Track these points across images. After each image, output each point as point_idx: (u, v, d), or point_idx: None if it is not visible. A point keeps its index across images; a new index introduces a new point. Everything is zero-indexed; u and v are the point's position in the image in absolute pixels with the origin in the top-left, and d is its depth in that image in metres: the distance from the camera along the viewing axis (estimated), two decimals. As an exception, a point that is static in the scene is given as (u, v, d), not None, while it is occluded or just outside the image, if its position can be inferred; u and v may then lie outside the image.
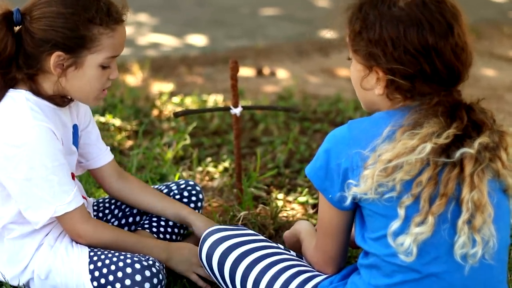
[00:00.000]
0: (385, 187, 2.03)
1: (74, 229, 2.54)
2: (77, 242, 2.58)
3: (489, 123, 2.07)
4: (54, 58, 2.42)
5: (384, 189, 2.04)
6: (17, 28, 2.46)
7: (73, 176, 2.61)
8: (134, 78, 5.40)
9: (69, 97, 2.56)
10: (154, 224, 2.85)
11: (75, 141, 2.66)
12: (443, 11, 2.09)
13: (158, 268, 2.53)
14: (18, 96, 2.47)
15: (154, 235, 2.83)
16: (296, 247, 2.61)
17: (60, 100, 2.53)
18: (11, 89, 2.48)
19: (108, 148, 2.83)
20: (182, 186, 2.93)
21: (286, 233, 2.70)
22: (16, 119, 2.43)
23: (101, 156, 2.80)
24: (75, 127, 2.65)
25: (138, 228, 2.87)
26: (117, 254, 2.55)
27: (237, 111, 3.12)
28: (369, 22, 2.11)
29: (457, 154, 2.01)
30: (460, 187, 2.03)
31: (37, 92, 2.49)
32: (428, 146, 2.00)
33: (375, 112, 2.20)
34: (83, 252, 2.56)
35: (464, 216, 2.02)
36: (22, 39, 2.45)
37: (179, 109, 4.50)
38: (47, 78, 2.48)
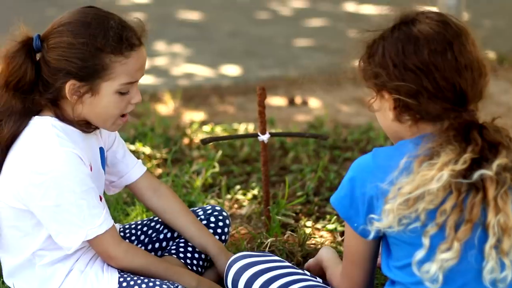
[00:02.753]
0: (408, 218, 2.03)
1: (106, 252, 2.53)
2: (108, 264, 2.58)
3: (505, 142, 2.05)
4: (69, 86, 2.44)
5: (408, 221, 2.03)
6: (38, 55, 2.48)
7: (100, 200, 2.62)
8: (165, 108, 5.43)
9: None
10: (181, 249, 2.83)
11: (103, 164, 2.67)
12: (442, 29, 2.11)
13: (186, 296, 2.52)
14: (44, 123, 2.48)
15: (182, 260, 2.81)
16: (320, 275, 2.59)
17: (86, 125, 2.54)
18: (36, 116, 2.50)
19: (139, 161, 2.83)
20: (209, 212, 2.92)
21: (310, 261, 2.69)
22: (42, 146, 2.44)
23: (131, 171, 2.80)
24: (101, 150, 2.66)
25: (165, 254, 2.86)
26: (146, 280, 2.54)
27: (264, 137, 3.11)
28: (374, 48, 2.15)
29: (475, 176, 1.99)
30: (485, 212, 2.01)
31: (62, 117, 2.50)
32: (445, 174, 1.99)
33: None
34: (113, 278, 2.56)
35: (491, 240, 2.00)
36: (40, 66, 2.47)
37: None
38: (69, 103, 2.49)
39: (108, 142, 2.74)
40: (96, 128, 2.59)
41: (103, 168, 2.68)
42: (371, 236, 2.11)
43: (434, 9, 2.20)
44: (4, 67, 2.46)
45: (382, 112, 2.19)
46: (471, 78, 2.09)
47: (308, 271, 2.61)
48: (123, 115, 2.55)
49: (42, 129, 2.47)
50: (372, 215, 2.09)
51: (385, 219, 2.05)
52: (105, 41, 2.42)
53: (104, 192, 2.78)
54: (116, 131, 2.74)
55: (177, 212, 2.83)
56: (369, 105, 2.21)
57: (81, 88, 2.45)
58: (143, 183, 2.82)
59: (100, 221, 2.47)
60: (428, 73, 2.08)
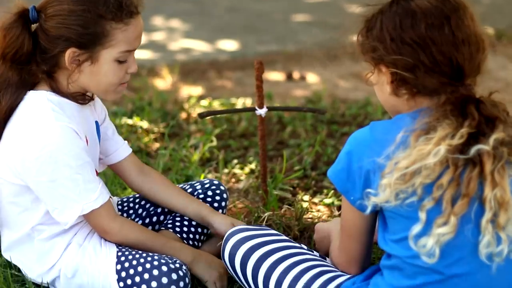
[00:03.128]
0: (405, 193, 2.03)
1: (101, 226, 2.55)
2: (105, 239, 2.59)
3: (502, 116, 2.05)
4: (69, 54, 2.44)
5: (405, 195, 2.03)
6: (34, 26, 2.48)
7: (97, 174, 2.62)
8: (163, 82, 5.42)
9: (90, 95, 2.57)
10: (178, 223, 2.84)
11: (98, 137, 2.67)
12: (440, 4, 2.11)
13: (184, 271, 2.53)
14: (39, 97, 2.48)
15: (178, 234, 2.82)
16: (324, 242, 2.60)
17: (81, 97, 2.54)
18: (31, 91, 2.50)
19: (126, 142, 2.84)
20: (207, 186, 2.92)
21: (319, 225, 2.70)
22: (37, 120, 2.45)
23: (119, 150, 2.80)
24: (96, 124, 2.67)
25: (162, 228, 2.87)
26: (144, 255, 2.55)
27: (262, 111, 3.10)
28: (372, 23, 2.15)
29: (472, 151, 2.00)
30: (482, 186, 2.01)
31: (58, 90, 2.50)
32: (442, 149, 1.99)
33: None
34: (111, 252, 2.57)
35: (488, 215, 2.00)
36: (38, 36, 2.47)
37: (207, 112, 4.50)
38: (66, 74, 2.49)
39: (101, 118, 2.75)
40: (91, 99, 2.59)
41: (99, 141, 2.68)
42: (368, 210, 2.12)
43: None
44: (0, 39, 2.46)
45: (380, 86, 2.19)
46: (468, 53, 2.09)
47: (307, 244, 2.63)
48: (122, 83, 2.55)
49: (38, 104, 2.47)
50: (369, 190, 2.09)
51: (382, 194, 2.05)
52: (105, 8, 2.43)
53: None
54: (104, 106, 2.76)
55: (164, 188, 2.83)
56: (367, 79, 2.21)
57: (81, 56, 2.45)
58: (129, 163, 2.82)
59: (95, 195, 2.48)
60: (425, 47, 2.07)
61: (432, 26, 2.08)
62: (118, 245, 2.61)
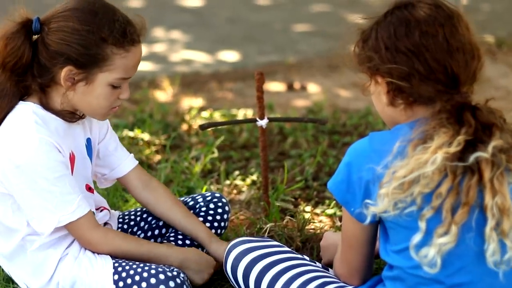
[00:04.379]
0: (404, 202, 2.03)
1: (83, 237, 2.56)
2: (90, 250, 2.60)
3: (499, 123, 2.05)
4: (66, 72, 2.45)
5: (404, 205, 2.03)
6: (35, 37, 2.49)
7: (89, 189, 2.63)
8: (164, 94, 5.42)
9: (80, 114, 2.59)
10: (180, 236, 2.84)
11: (89, 154, 2.68)
12: (434, 12, 2.11)
13: (182, 279, 2.53)
14: (25, 109, 2.50)
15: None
16: (329, 250, 2.62)
17: (69, 115, 2.56)
18: (20, 102, 2.51)
19: (131, 156, 2.84)
20: (208, 198, 2.92)
21: (329, 233, 2.71)
22: (19, 132, 2.47)
23: (122, 164, 2.81)
24: (88, 141, 2.68)
25: (164, 241, 2.87)
26: (141, 264, 2.56)
27: (263, 123, 3.11)
28: (367, 33, 2.16)
29: (471, 158, 1.99)
30: (482, 194, 2.01)
31: (47, 105, 2.51)
32: (439, 157, 1.99)
33: None
34: (108, 263, 2.57)
35: (491, 222, 2.00)
36: (38, 48, 2.47)
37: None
38: (59, 91, 2.51)
39: (100, 135, 2.76)
40: (80, 118, 2.59)
41: (90, 158, 2.69)
42: (368, 220, 2.11)
43: None
44: (1, 47, 2.47)
45: (377, 97, 2.20)
46: (463, 60, 2.09)
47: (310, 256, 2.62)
48: (112, 108, 2.56)
49: (22, 115, 2.49)
50: (367, 200, 2.09)
51: (381, 204, 2.05)
52: (109, 32, 2.44)
53: (95, 184, 2.81)
54: (108, 122, 2.78)
55: (168, 204, 2.83)
56: (363, 90, 2.22)
57: (77, 75, 2.46)
58: (134, 176, 2.83)
59: (73, 208, 2.49)
60: (419, 55, 2.08)
61: (426, 34, 2.09)
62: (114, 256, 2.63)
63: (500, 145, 2.01)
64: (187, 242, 2.83)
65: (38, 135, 2.44)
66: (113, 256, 2.60)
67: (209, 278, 2.68)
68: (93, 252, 2.60)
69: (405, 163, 2.02)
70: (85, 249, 2.60)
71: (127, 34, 2.47)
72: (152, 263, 2.58)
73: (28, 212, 2.50)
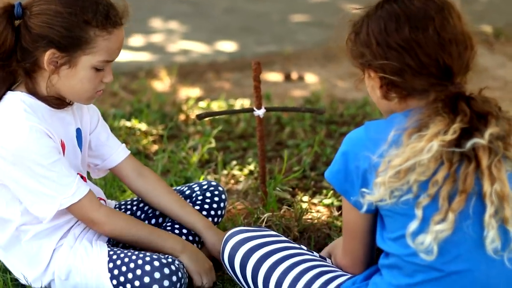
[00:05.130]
0: (400, 191, 2.03)
1: (87, 217, 2.56)
2: (96, 237, 2.62)
3: (494, 111, 2.05)
4: (49, 55, 2.45)
5: (400, 193, 2.03)
6: (17, 22, 2.48)
7: (81, 177, 2.63)
8: (161, 84, 5.42)
9: (68, 101, 2.59)
10: (177, 226, 2.84)
11: (79, 144, 2.68)
12: (424, 5, 2.10)
13: (177, 266, 2.54)
14: (14, 98, 2.50)
15: (177, 237, 2.82)
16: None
17: (56, 101, 2.55)
18: (9, 91, 2.51)
19: (123, 145, 2.84)
20: (205, 187, 2.92)
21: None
22: (8, 120, 2.47)
23: (114, 154, 2.81)
24: (78, 131, 2.68)
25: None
26: (136, 252, 2.57)
27: (260, 112, 3.10)
28: (358, 26, 2.15)
29: (468, 145, 1.99)
30: (480, 182, 2.00)
31: (34, 92, 2.51)
32: (435, 144, 1.99)
33: None
34: (103, 251, 2.59)
35: (490, 210, 2.01)
36: (20, 33, 2.47)
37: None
38: (45, 76, 2.51)
39: (90, 126, 2.76)
40: (68, 104, 2.59)
41: (80, 148, 2.69)
42: (364, 209, 2.11)
43: None
44: None
45: (371, 89, 2.20)
46: (456, 52, 2.08)
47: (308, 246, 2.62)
48: (97, 91, 2.56)
49: (11, 104, 2.49)
50: (363, 189, 2.09)
51: (377, 192, 2.05)
52: (92, 15, 2.44)
53: (89, 175, 2.82)
54: (98, 112, 2.78)
55: (162, 193, 2.83)
56: (356, 85, 2.23)
57: (60, 58, 2.46)
58: (127, 166, 2.83)
59: (72, 190, 2.50)
60: (410, 50, 2.07)
61: (416, 29, 2.07)
62: (108, 240, 2.65)
63: (497, 132, 2.01)
64: (184, 231, 2.82)
65: (28, 122, 2.44)
66: (112, 239, 2.62)
67: (205, 271, 2.67)
68: (91, 239, 2.61)
69: (401, 151, 2.02)
70: (82, 238, 2.60)
71: (110, 16, 2.46)
72: (151, 247, 2.59)
73: (27, 200, 2.50)
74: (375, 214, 2.21)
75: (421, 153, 1.99)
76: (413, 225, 2.02)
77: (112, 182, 3.43)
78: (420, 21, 2.08)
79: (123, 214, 2.71)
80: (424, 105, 2.08)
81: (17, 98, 2.50)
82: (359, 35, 2.14)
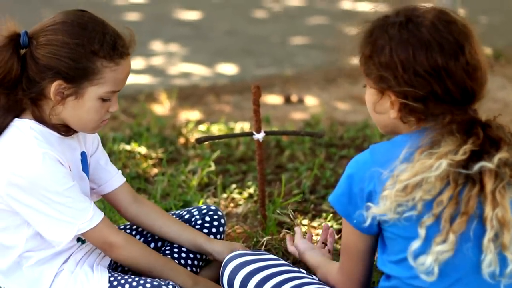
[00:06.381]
0: (405, 206, 2.03)
1: (106, 241, 2.54)
2: (108, 255, 2.60)
3: (506, 138, 2.04)
4: (55, 86, 2.43)
5: (404, 208, 2.03)
6: (23, 51, 2.47)
7: None
8: (161, 107, 5.43)
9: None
10: (176, 249, 2.83)
11: (85, 168, 2.66)
12: (452, 31, 2.08)
13: (178, 292, 2.52)
14: (23, 125, 2.48)
15: (176, 261, 2.81)
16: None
17: (64, 129, 2.54)
18: (16, 119, 2.49)
19: (119, 172, 2.83)
20: (204, 211, 2.91)
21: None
22: (21, 148, 2.44)
23: (113, 179, 2.79)
24: (83, 154, 2.66)
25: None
26: (137, 279, 2.55)
27: (259, 136, 3.10)
28: (379, 46, 2.10)
29: (476, 167, 1.99)
30: (482, 205, 2.01)
31: (41, 119, 2.49)
32: (444, 163, 1.99)
33: (393, 135, 2.20)
34: (103, 277, 2.56)
35: (489, 234, 2.00)
36: (26, 62, 2.46)
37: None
38: (49, 104, 2.48)
39: (92, 148, 2.74)
40: (75, 132, 2.59)
41: (86, 172, 2.67)
42: (366, 224, 2.10)
43: (431, 5, 2.17)
44: None
45: (380, 107, 2.17)
46: (480, 78, 2.08)
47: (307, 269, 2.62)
48: (102, 121, 2.55)
49: (21, 132, 2.46)
50: (369, 203, 2.09)
51: (382, 205, 2.04)
52: (99, 46, 2.43)
53: None
54: (97, 135, 2.76)
55: (159, 216, 2.83)
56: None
57: (67, 89, 2.45)
58: (123, 193, 2.81)
59: (90, 215, 2.48)
60: (438, 78, 2.05)
61: (447, 57, 2.05)
62: (111, 269, 2.62)
63: (506, 158, 2.01)
64: (183, 255, 2.82)
65: (41, 149, 2.42)
66: (110, 270, 2.59)
67: None
68: (92, 265, 2.59)
69: (410, 166, 2.02)
70: (83, 264, 2.59)
71: (117, 47, 2.45)
72: (162, 278, 2.57)
73: (43, 226, 2.47)
74: (375, 236, 2.21)
75: (429, 169, 1.99)
76: (415, 244, 2.02)
77: (111, 206, 3.41)
78: (451, 49, 2.06)
79: (139, 241, 2.69)
80: (438, 125, 2.07)
81: (26, 125, 2.47)
82: (380, 56, 2.09)
